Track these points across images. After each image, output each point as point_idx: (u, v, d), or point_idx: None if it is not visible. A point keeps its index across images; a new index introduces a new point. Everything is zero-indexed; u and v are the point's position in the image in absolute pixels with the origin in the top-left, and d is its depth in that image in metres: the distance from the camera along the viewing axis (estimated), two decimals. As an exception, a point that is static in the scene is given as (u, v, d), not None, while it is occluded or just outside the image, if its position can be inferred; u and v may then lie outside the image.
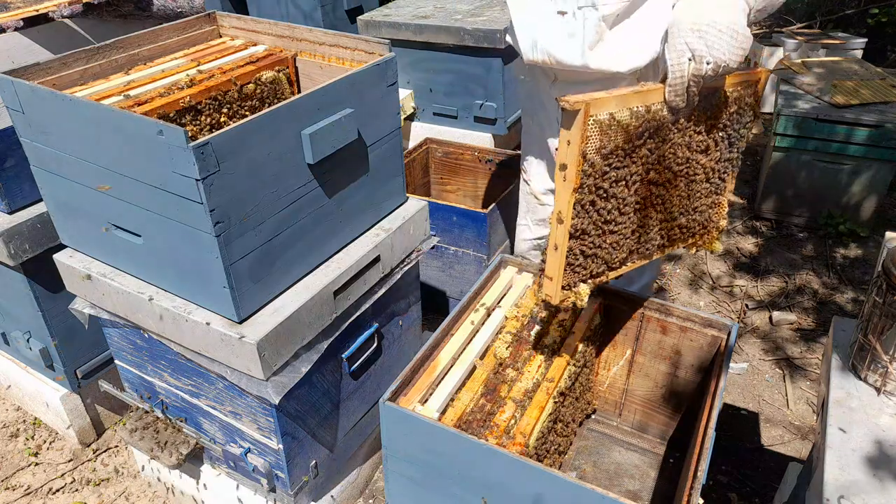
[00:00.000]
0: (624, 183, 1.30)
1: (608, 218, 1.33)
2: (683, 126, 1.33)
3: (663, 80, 1.29)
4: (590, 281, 1.39)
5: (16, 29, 2.39)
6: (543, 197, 2.05)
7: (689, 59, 1.20)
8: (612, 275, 1.42)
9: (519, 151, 2.56)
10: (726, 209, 1.55)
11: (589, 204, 1.28)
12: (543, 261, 1.36)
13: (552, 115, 1.81)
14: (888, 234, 1.62)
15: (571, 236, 1.30)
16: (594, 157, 1.22)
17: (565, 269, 1.33)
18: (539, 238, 2.14)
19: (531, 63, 1.73)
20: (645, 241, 1.43)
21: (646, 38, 1.54)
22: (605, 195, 1.29)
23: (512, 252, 2.17)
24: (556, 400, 1.48)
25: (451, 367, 1.50)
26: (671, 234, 1.47)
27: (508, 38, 1.84)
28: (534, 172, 2.04)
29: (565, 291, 1.35)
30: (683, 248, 1.55)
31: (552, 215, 1.28)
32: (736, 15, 1.18)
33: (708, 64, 1.19)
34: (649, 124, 1.27)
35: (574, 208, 1.25)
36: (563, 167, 1.22)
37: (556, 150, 1.24)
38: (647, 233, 1.42)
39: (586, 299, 1.39)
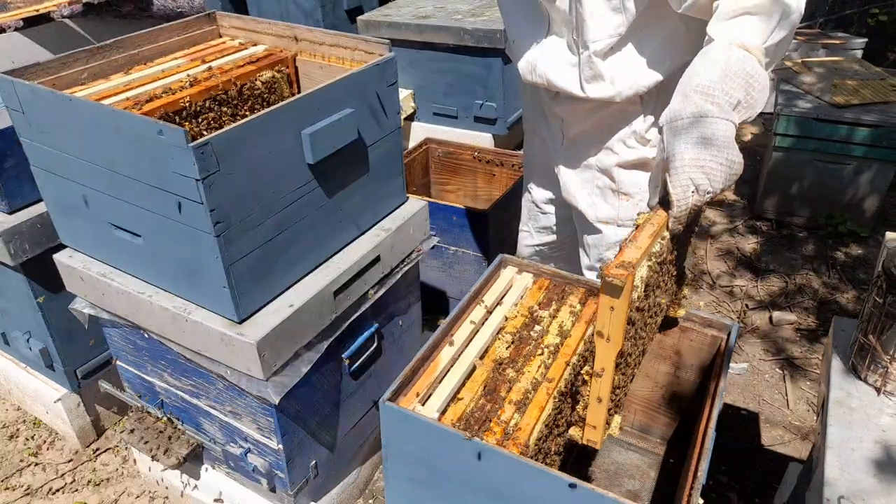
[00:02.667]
0: (646, 315, 1.37)
1: (635, 351, 1.40)
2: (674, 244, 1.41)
3: (662, 204, 1.35)
4: (618, 410, 1.45)
5: (16, 29, 2.39)
6: (545, 206, 2.05)
7: (693, 192, 1.28)
8: (628, 391, 1.50)
9: (520, 151, 2.55)
10: (687, 278, 1.62)
11: (624, 352, 1.34)
12: (585, 407, 1.41)
13: (554, 128, 1.82)
14: (888, 235, 1.62)
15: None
16: (634, 315, 1.28)
17: None
18: (541, 245, 2.13)
19: (528, 83, 1.73)
20: (644, 348, 1.51)
21: (640, 69, 1.59)
22: (634, 338, 1.35)
23: (513, 253, 2.16)
24: (557, 400, 1.47)
25: (451, 367, 1.50)
26: (656, 326, 1.55)
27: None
28: (535, 182, 2.03)
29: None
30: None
31: (592, 371, 1.31)
32: (731, 143, 1.25)
33: (708, 194, 1.27)
34: (661, 258, 1.34)
35: (616, 360, 1.29)
36: (607, 335, 1.24)
37: (596, 313, 1.26)
38: (646, 341, 1.50)
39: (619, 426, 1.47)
